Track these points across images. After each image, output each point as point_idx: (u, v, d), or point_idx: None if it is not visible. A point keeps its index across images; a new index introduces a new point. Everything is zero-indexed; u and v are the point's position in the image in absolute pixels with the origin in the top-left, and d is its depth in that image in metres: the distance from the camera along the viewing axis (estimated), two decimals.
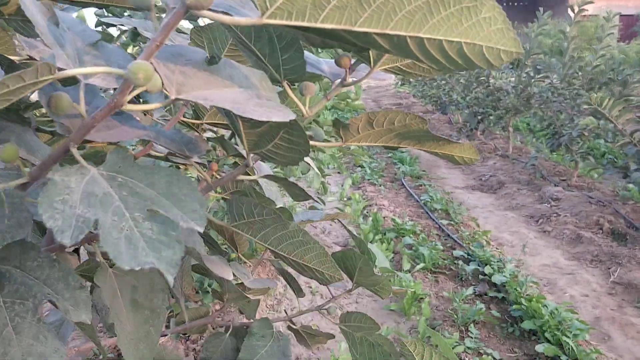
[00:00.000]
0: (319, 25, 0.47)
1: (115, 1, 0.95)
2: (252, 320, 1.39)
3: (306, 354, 3.05)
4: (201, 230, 0.56)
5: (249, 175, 1.07)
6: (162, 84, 0.58)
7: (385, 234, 4.71)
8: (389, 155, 8.24)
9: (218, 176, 1.10)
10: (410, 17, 0.46)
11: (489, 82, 8.19)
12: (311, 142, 0.88)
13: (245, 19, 0.46)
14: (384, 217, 5.10)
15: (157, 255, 0.51)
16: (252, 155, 0.87)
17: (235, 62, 0.66)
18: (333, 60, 0.90)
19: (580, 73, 6.27)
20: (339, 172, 7.30)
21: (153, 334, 0.93)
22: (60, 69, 0.45)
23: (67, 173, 0.55)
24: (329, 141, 0.95)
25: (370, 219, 5.00)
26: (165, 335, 1.33)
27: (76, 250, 1.15)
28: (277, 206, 1.25)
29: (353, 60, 0.84)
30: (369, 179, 6.76)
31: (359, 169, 7.28)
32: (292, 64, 0.81)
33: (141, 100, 1.33)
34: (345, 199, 5.98)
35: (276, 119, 0.59)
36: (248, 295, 1.40)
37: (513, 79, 7.68)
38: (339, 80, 0.86)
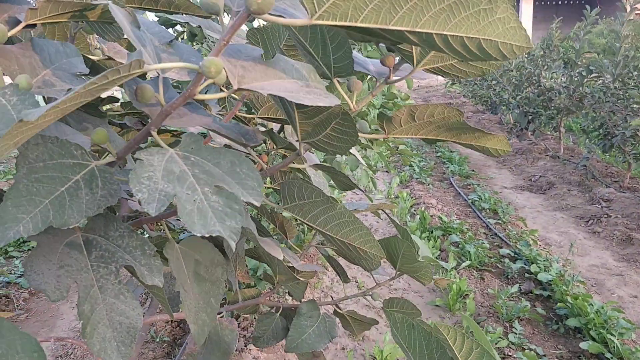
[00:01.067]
0: (359, 24, 0.56)
1: (183, 9, 1.06)
2: (300, 302, 1.50)
3: (351, 345, 3.15)
4: (258, 204, 0.67)
5: (301, 164, 1.18)
6: (226, 77, 0.68)
7: (432, 231, 4.76)
8: (438, 155, 8.25)
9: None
10: (436, 17, 0.55)
11: (539, 82, 8.10)
12: (362, 135, 0.98)
13: (297, 20, 0.56)
14: (432, 216, 5.15)
15: (222, 224, 0.62)
16: (303, 144, 0.98)
17: (287, 57, 0.76)
18: (379, 60, 1.00)
19: (635, 73, 6.15)
20: (387, 171, 7.37)
21: (213, 303, 1.05)
22: (145, 64, 0.56)
23: (151, 153, 0.67)
24: (377, 133, 1.04)
25: (418, 217, 5.06)
26: (220, 314, 1.45)
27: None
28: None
29: (397, 60, 0.93)
30: (417, 178, 6.80)
31: (407, 167, 7.32)
32: (342, 62, 0.90)
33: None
34: (392, 197, 6.04)
35: (322, 104, 0.69)
36: (297, 277, 1.50)
37: (564, 78, 7.58)
38: (383, 79, 0.95)
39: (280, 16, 0.58)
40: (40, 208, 0.62)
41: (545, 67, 8.09)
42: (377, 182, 6.80)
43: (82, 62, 0.71)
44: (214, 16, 0.65)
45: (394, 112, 0.96)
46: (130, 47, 1.32)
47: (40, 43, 0.70)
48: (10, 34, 0.64)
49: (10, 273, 4.19)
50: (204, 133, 1.68)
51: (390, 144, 4.29)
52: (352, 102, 0.96)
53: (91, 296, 0.77)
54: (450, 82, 13.57)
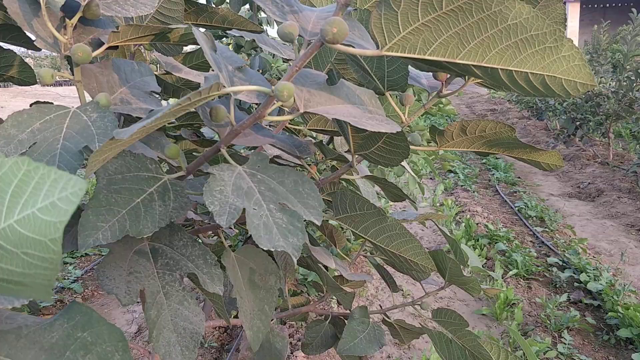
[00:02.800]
0: (427, 57, 0.59)
1: (236, 24, 1.10)
2: (349, 311, 1.53)
3: (397, 353, 3.15)
4: (319, 223, 0.70)
5: (351, 175, 1.21)
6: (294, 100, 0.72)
7: (477, 240, 4.73)
8: (483, 162, 8.18)
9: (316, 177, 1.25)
10: (502, 53, 0.58)
11: None
12: (412, 147, 1.01)
13: (367, 51, 0.60)
14: (477, 224, 5.11)
15: (286, 240, 0.66)
16: (356, 156, 1.01)
17: (349, 83, 0.79)
18: (431, 74, 1.02)
19: None
20: (431, 178, 7.34)
21: (267, 310, 1.09)
22: (222, 87, 0.60)
23: (222, 169, 0.71)
24: (429, 144, 1.06)
25: (463, 224, 5.03)
26: (271, 320, 1.48)
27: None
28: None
29: (449, 75, 0.95)
30: (462, 185, 6.75)
31: (452, 175, 7.28)
32: (395, 75, 0.94)
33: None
34: (437, 204, 6.01)
35: (384, 130, 0.72)
36: (345, 288, 1.53)
37: (613, 83, 7.42)
38: (435, 92, 0.98)
39: (350, 46, 0.61)
40: (117, 217, 0.67)
41: (593, 71, 7.93)
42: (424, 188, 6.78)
43: (154, 80, 0.76)
44: (286, 43, 0.68)
45: (446, 126, 0.98)
46: (185, 61, 1.37)
47: (117, 62, 0.75)
48: (93, 54, 0.69)
49: (64, 279, 4.33)
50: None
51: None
52: (404, 116, 0.99)
53: (157, 302, 0.82)
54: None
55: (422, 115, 7.24)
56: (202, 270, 0.85)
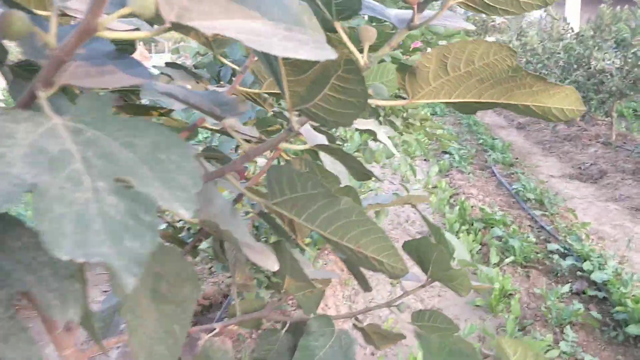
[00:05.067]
0: None
1: None
2: (311, 316, 1.21)
3: (382, 350, 2.85)
4: (187, 215, 0.37)
5: (300, 144, 0.87)
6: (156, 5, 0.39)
7: (472, 224, 4.41)
8: (480, 142, 7.84)
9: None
10: None
11: (589, 64, 7.60)
12: (372, 101, 0.69)
13: None
14: (472, 207, 4.79)
15: (117, 245, 0.32)
16: (295, 113, 0.68)
17: None
18: (399, 10, 0.70)
19: None
20: (425, 159, 7.01)
21: (178, 332, 0.75)
22: None
23: (16, 119, 0.38)
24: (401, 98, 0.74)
25: (457, 207, 4.71)
26: (213, 331, 1.17)
27: None
28: (342, 185, 1.07)
29: None
30: (457, 167, 6.42)
31: (447, 155, 6.95)
32: None
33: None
34: (430, 186, 5.69)
35: (306, 57, 0.40)
36: (312, 283, 1.20)
37: (618, 60, 7.07)
38: (405, 24, 0.65)
39: None
40: None
41: (596, 47, 7.58)
42: (417, 171, 6.46)
43: None
44: None
45: (418, 60, 0.65)
46: None
47: None
48: None
49: None
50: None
51: (427, 129, 3.94)
52: (363, 56, 0.65)
53: None
54: None
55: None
56: (49, 285, 0.52)
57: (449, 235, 1.34)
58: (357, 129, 1.64)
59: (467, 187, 5.50)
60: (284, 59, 0.56)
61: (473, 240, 4.07)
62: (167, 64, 1.14)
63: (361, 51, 0.64)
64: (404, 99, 0.69)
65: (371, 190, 5.07)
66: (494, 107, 0.71)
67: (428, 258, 1.14)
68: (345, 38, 0.65)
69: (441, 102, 0.71)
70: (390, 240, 0.79)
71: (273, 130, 1.66)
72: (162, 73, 1.04)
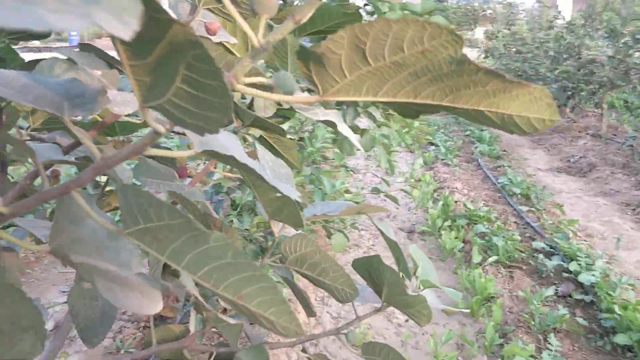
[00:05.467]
0: None
1: None
2: (241, 348, 1.00)
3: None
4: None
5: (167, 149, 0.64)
6: None
7: (455, 220, 4.20)
8: (467, 134, 7.63)
9: None
10: None
11: (580, 54, 7.39)
12: (274, 96, 0.47)
13: None
14: (456, 202, 4.58)
15: None
16: (149, 110, 0.45)
17: None
18: None
19: None
20: (411, 152, 6.79)
21: None
22: None
23: None
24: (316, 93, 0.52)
25: (441, 202, 4.50)
26: None
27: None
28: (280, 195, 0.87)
29: None
30: (442, 159, 6.21)
31: (432, 147, 6.74)
32: None
33: None
34: (414, 180, 5.48)
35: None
36: (226, 319, 0.98)
37: (609, 49, 6.87)
38: None
39: None
40: None
41: (587, 37, 7.37)
42: (399, 163, 6.25)
43: None
44: None
45: (324, 44, 0.43)
46: None
47: None
48: None
49: None
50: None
51: (407, 121, 3.75)
52: (257, 34, 0.43)
53: None
54: (484, 56, 12.83)
55: None
56: None
57: (414, 251, 1.13)
58: (318, 120, 1.42)
59: (452, 181, 5.29)
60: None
61: (456, 238, 3.86)
62: (81, 45, 0.92)
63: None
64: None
65: (345, 185, 4.86)
66: (437, 110, 0.50)
67: (381, 280, 0.96)
68: (234, 12, 0.43)
69: (365, 101, 0.50)
70: (280, 293, 0.57)
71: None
72: (68, 58, 0.83)
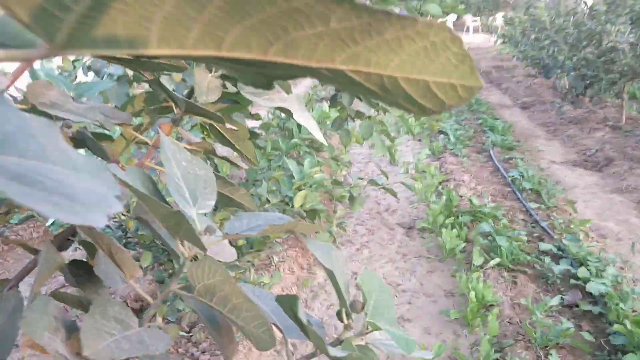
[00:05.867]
0: None
1: None
2: None
3: None
4: None
5: None
6: None
7: (458, 216, 3.92)
8: (479, 122, 7.29)
9: None
10: None
11: (601, 41, 7.01)
12: None
13: None
14: (461, 196, 4.29)
15: None
16: None
17: None
18: None
19: None
20: (419, 140, 6.49)
21: None
22: None
23: None
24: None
25: (444, 197, 4.21)
26: None
27: None
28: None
29: None
30: (451, 149, 5.89)
31: (442, 136, 6.42)
32: None
33: None
34: (420, 171, 5.19)
35: None
36: None
37: (631, 36, 6.49)
38: None
39: None
40: None
41: (608, 23, 6.98)
42: (405, 152, 5.96)
43: None
44: None
45: None
46: None
47: None
48: None
49: None
50: None
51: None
52: None
53: None
54: (501, 41, 12.40)
55: None
56: None
57: (366, 278, 0.88)
58: (274, 108, 1.17)
59: (459, 173, 5.00)
60: None
61: (457, 236, 3.59)
62: None
63: None
64: None
65: (346, 173, 4.58)
66: (277, 72, 0.25)
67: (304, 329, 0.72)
68: None
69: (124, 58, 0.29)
70: None
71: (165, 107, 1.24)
72: None
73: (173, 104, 1.09)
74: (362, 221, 4.10)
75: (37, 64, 1.85)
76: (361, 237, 3.86)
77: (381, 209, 4.39)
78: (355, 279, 3.25)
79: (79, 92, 1.81)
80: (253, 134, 1.98)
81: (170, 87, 1.20)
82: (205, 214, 0.77)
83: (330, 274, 0.71)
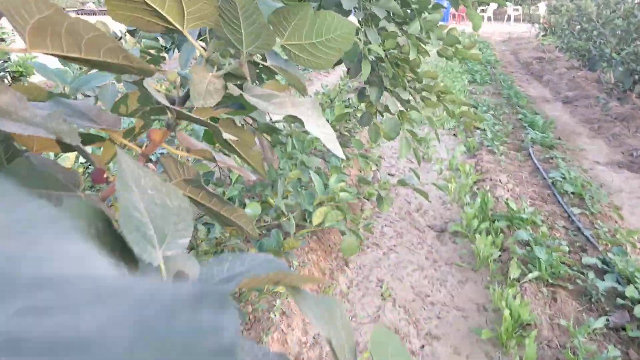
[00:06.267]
0: None
1: None
2: None
3: None
4: None
5: None
6: None
7: (494, 221, 3.66)
8: (519, 117, 6.96)
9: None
10: None
11: None
12: None
13: None
14: (497, 198, 4.03)
15: None
16: None
17: None
18: None
19: None
20: (454, 134, 6.22)
21: None
22: None
23: None
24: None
25: (478, 199, 3.95)
26: None
27: None
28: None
29: None
30: (488, 146, 5.60)
31: (478, 131, 6.12)
32: None
33: None
34: (454, 169, 4.92)
35: None
36: None
37: None
38: None
39: None
40: None
41: None
42: (438, 149, 5.68)
43: None
44: None
45: None
46: None
47: None
48: None
49: None
50: None
51: (447, 105, 3.18)
52: None
53: None
54: (543, 34, 11.92)
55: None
56: None
57: (377, 337, 0.67)
58: (287, 115, 0.97)
59: (495, 172, 4.71)
60: None
61: (492, 244, 3.34)
62: None
63: None
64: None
65: (374, 169, 4.35)
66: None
67: None
68: None
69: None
70: None
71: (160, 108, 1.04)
72: None
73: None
74: (390, 222, 3.87)
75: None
76: (389, 239, 3.63)
77: (411, 208, 4.15)
78: (381, 287, 3.04)
79: (75, 86, 1.64)
80: (273, 129, 1.76)
81: (171, 88, 1.04)
82: (183, 251, 0.59)
83: (330, 343, 0.50)
